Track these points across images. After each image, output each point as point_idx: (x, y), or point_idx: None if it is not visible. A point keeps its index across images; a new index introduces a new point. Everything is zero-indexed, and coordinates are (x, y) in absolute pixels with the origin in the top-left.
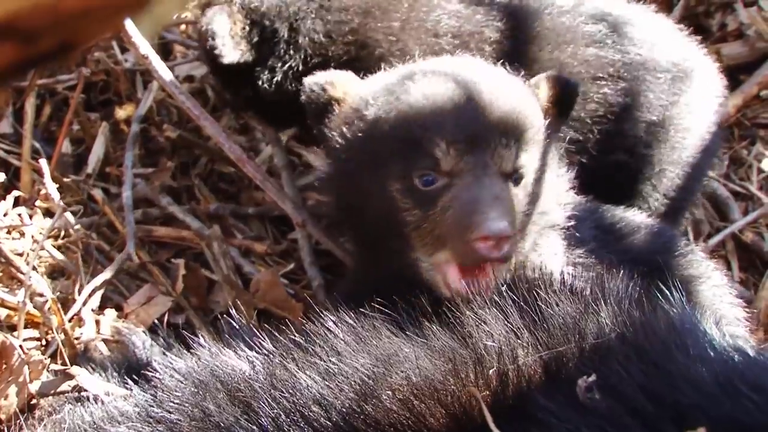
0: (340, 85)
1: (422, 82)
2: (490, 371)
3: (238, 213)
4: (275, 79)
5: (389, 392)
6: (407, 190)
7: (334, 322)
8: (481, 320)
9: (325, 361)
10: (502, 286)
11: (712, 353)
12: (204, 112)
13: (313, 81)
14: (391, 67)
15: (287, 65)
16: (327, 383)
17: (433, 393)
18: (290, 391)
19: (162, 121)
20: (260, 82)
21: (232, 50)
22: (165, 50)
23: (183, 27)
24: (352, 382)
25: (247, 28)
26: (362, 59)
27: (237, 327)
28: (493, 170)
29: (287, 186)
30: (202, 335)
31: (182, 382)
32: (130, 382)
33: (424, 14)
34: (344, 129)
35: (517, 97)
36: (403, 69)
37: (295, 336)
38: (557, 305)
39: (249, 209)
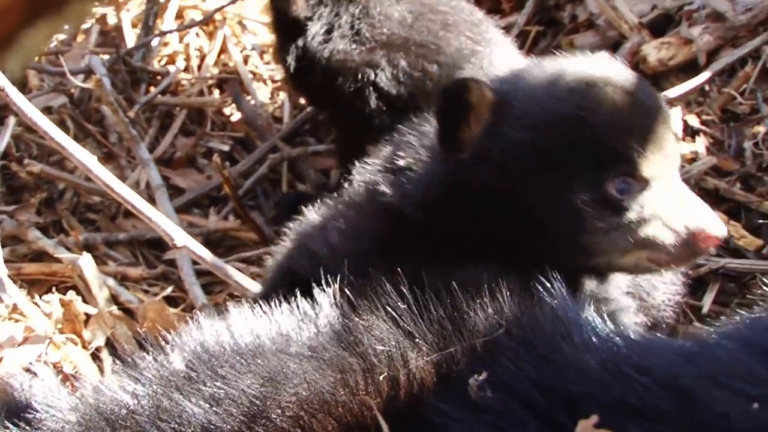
0: (475, 89)
1: (594, 83)
2: (381, 377)
3: (109, 241)
4: (326, 35)
5: (278, 411)
6: (599, 199)
7: (215, 345)
8: (370, 326)
9: (210, 387)
10: (391, 291)
11: (596, 340)
12: (69, 140)
13: (449, 85)
14: None
15: (350, 27)
16: (214, 409)
17: (324, 406)
18: (177, 420)
19: (22, 157)
20: (310, 37)
21: None
22: (19, 84)
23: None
24: (240, 405)
25: None
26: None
27: (118, 359)
28: (676, 166)
29: (163, 206)
30: (81, 371)
31: (65, 422)
32: (10, 425)
33: None
34: (493, 139)
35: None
36: (550, 69)
37: (177, 363)
38: (446, 305)
39: (120, 236)
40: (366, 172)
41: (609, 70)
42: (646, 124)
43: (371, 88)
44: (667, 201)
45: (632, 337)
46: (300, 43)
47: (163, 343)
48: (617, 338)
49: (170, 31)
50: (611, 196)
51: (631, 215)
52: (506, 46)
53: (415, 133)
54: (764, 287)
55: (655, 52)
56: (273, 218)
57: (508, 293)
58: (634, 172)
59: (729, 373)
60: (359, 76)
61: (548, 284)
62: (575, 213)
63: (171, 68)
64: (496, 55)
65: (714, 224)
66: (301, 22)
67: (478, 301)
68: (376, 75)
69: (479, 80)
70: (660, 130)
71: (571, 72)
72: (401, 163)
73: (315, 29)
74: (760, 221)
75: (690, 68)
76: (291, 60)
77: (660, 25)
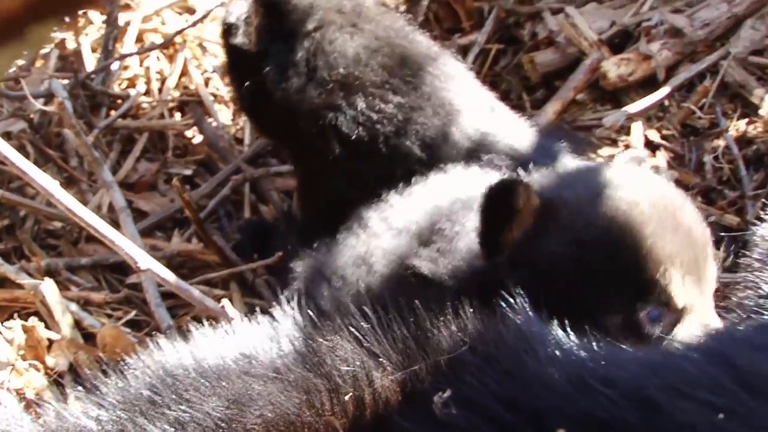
0: (522, 194)
1: (640, 206)
2: (346, 397)
3: (71, 265)
4: (281, 73)
5: None
6: (630, 325)
7: (179, 367)
8: (334, 346)
9: (174, 410)
10: (355, 311)
11: (560, 354)
12: (30, 165)
13: (494, 185)
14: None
15: (305, 65)
16: None
17: (289, 427)
18: None
19: None
20: (265, 74)
21: (242, 34)
22: None
23: None
24: (205, 428)
25: (266, 22)
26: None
27: (81, 385)
28: (710, 296)
29: (127, 229)
30: (44, 397)
31: None
32: None
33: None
34: (533, 246)
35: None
36: (596, 180)
37: (140, 387)
38: (409, 323)
39: (82, 260)
40: (389, 237)
41: (656, 190)
42: (688, 252)
43: (332, 131)
44: (698, 333)
45: (596, 349)
46: (255, 79)
47: (126, 367)
48: (581, 351)
49: (130, 55)
50: (643, 324)
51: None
52: (466, 77)
53: (448, 220)
54: (729, 298)
55: (614, 68)
56: (235, 245)
57: (471, 310)
58: (668, 303)
59: (694, 384)
60: (318, 120)
61: (511, 300)
62: (603, 333)
63: (131, 92)
64: (455, 89)
65: None
66: (254, 58)
67: (442, 318)
68: (336, 118)
69: (527, 184)
70: (700, 257)
71: (618, 189)
72: (437, 244)
73: (269, 66)
74: (722, 234)
75: (649, 84)
76: (246, 96)
77: (619, 42)
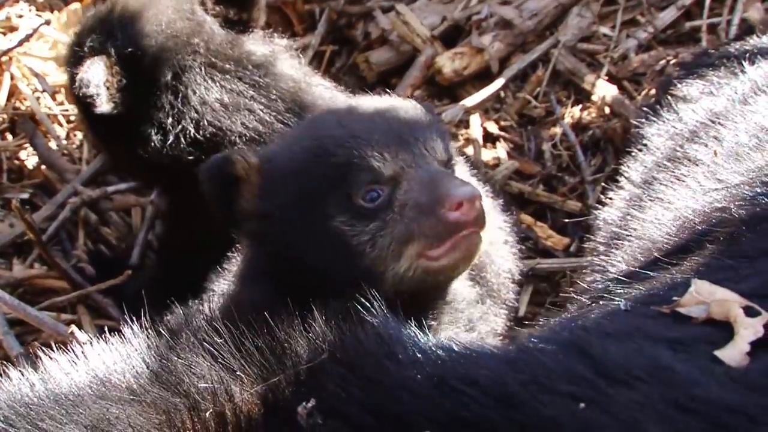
0: (240, 161)
1: (333, 115)
2: (207, 414)
3: None
4: (160, 135)
5: None
6: (354, 216)
7: (32, 396)
8: (189, 363)
9: None
10: (207, 324)
11: (421, 356)
12: None
13: (209, 165)
14: None
15: (175, 122)
16: None
17: None
18: None
19: None
20: (144, 138)
21: (106, 100)
22: None
23: None
24: None
25: (124, 80)
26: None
27: None
28: (432, 158)
29: None
30: None
31: None
32: None
33: None
34: (263, 197)
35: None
36: (305, 120)
37: None
38: (264, 334)
39: None
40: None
41: (351, 102)
42: (381, 127)
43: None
44: (421, 185)
45: (455, 348)
46: (123, 138)
47: None
48: (441, 351)
49: None
50: (363, 208)
51: (386, 215)
52: (332, 94)
53: None
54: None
55: (449, 63)
56: (91, 278)
57: (323, 318)
58: (377, 178)
59: (553, 377)
60: (191, 177)
61: (368, 304)
62: (340, 236)
63: None
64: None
65: (460, 189)
66: (120, 119)
67: (297, 328)
68: None
69: (241, 150)
70: (399, 126)
71: (318, 113)
72: None
73: (138, 126)
74: (566, 220)
75: (484, 76)
76: (115, 153)
77: (451, 36)
